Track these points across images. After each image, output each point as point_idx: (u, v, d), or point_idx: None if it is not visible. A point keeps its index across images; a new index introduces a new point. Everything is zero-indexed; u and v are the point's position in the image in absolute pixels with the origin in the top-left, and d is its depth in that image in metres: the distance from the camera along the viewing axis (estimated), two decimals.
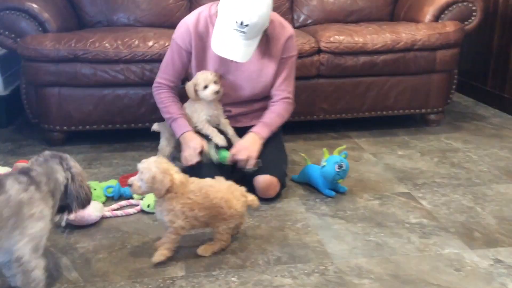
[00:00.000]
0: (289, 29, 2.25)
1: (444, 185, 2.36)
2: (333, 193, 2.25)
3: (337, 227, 2.00)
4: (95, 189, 2.20)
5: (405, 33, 2.91)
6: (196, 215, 1.74)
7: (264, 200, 2.17)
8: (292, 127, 3.03)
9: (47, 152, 1.59)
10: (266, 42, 2.20)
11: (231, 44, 2.03)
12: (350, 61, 2.88)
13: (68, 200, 1.59)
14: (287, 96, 2.29)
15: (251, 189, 2.16)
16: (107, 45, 2.67)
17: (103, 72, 2.69)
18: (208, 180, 1.82)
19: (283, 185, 2.22)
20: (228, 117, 2.33)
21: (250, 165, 2.14)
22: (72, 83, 2.70)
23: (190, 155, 2.15)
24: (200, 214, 1.74)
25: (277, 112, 2.27)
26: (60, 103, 2.73)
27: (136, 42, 2.70)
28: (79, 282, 1.67)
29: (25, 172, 1.50)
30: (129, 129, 2.87)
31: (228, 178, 1.90)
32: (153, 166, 1.68)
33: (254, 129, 2.22)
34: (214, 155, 2.16)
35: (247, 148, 2.15)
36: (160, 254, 1.75)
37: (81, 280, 1.68)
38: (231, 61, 2.14)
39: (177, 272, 1.72)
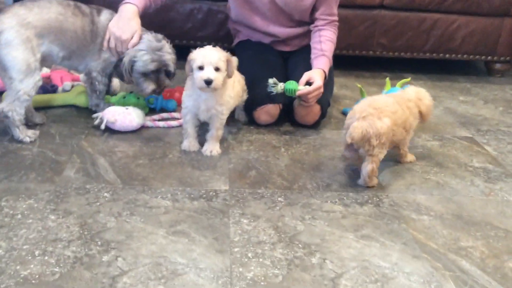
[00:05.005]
0: None
1: (511, 134, 2.16)
2: None
3: (393, 163, 1.84)
4: (138, 98, 2.09)
5: None
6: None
7: (310, 127, 2.05)
8: (345, 62, 2.83)
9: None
10: None
11: None
12: None
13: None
14: (335, 19, 2.12)
15: (289, 111, 2.07)
16: None
17: None
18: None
19: (323, 114, 2.06)
20: (277, 42, 2.20)
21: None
22: None
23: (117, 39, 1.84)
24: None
25: (332, 40, 2.10)
26: None
27: None
28: (117, 184, 1.57)
29: None
30: (173, 46, 2.70)
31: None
32: None
33: (320, 65, 2.01)
34: (277, 84, 1.91)
35: (321, 84, 1.93)
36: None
37: (119, 181, 1.59)
38: None
39: (220, 186, 1.60)
